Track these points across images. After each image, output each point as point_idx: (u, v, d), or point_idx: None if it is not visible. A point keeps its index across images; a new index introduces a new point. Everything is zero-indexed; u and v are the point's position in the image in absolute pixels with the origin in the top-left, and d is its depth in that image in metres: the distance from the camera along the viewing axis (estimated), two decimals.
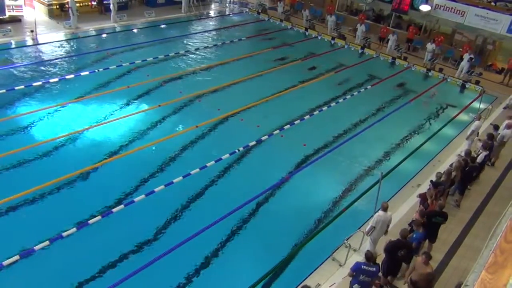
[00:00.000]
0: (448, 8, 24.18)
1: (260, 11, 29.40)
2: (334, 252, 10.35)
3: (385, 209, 9.84)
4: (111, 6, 23.31)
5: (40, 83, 16.31)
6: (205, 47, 22.47)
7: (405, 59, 24.38)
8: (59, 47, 20.12)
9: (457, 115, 19.18)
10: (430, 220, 10.01)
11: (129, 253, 9.88)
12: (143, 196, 11.36)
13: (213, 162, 13.11)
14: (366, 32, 26.06)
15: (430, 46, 23.73)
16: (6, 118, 14.03)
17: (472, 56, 22.73)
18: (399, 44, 24.87)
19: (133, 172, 12.53)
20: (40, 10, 22.81)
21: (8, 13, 20.90)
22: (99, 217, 10.48)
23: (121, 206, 10.95)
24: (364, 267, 8.30)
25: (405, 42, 26.04)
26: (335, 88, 19.80)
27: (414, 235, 9.79)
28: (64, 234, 9.85)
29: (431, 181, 11.39)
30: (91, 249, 9.86)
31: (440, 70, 23.38)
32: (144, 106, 15.95)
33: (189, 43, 22.73)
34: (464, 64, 22.76)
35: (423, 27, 27.08)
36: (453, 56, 25.24)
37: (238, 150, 13.99)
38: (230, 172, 13.23)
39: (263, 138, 14.91)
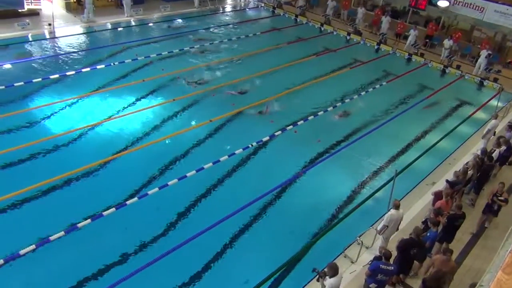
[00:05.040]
0: (466, 4, 23.76)
1: (275, 6, 29.27)
2: (346, 249, 10.32)
3: (397, 207, 9.77)
4: (123, 1, 23.47)
5: (57, 76, 16.51)
6: (219, 42, 22.46)
7: (421, 55, 24.07)
8: (76, 40, 20.34)
9: (474, 113, 18.86)
10: (452, 224, 9.91)
11: (142, 245, 9.99)
12: (156, 189, 11.46)
13: (226, 156, 13.15)
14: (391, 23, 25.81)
15: (447, 42, 23.36)
16: (23, 110, 14.25)
17: (490, 52, 22.29)
18: (416, 40, 24.53)
19: (147, 165, 12.64)
20: (57, 3, 23.06)
21: (26, 7, 21.20)
22: (113, 209, 10.60)
23: (135, 199, 11.07)
24: (383, 266, 8.26)
25: (423, 39, 25.68)
26: (350, 84, 19.63)
27: (428, 234, 9.70)
28: (79, 225, 10.01)
29: (447, 180, 11.26)
30: (107, 240, 10.00)
31: (458, 67, 23.03)
32: (159, 100, 16.05)
33: (204, 38, 22.71)
34: (482, 61, 22.37)
35: (441, 23, 26.67)
36: (471, 53, 24.83)
37: (252, 145, 14.01)
38: (243, 167, 13.27)
39: (276, 134, 14.89)
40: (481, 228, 11.59)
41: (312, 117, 16.24)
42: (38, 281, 8.92)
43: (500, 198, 11.06)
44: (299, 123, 15.72)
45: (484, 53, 22.37)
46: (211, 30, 24.21)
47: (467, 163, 12.83)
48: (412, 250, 8.94)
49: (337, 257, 10.11)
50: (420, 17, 27.65)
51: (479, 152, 13.16)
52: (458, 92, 21.02)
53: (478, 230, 11.53)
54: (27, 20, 20.30)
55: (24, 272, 9.02)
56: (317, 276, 7.99)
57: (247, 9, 29.61)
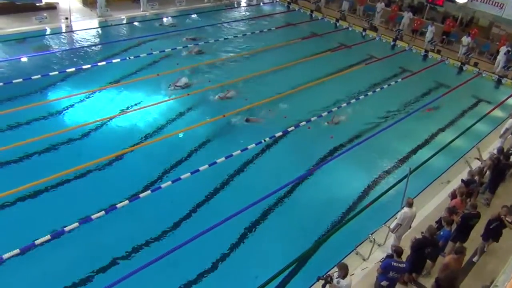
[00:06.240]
0: (485, 0, 23.30)
1: (291, 0, 29.11)
2: (358, 246, 10.27)
3: (410, 205, 9.68)
4: None
5: (73, 69, 16.69)
6: (234, 37, 22.44)
7: (438, 52, 23.72)
8: (92, 34, 20.53)
9: (491, 111, 18.58)
10: (467, 223, 9.77)
11: (155, 238, 10.08)
12: (169, 182, 11.55)
13: (239, 151, 13.18)
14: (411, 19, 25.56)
15: (465, 39, 22.98)
16: (40, 102, 14.43)
17: (509, 48, 21.85)
18: (433, 37, 24.16)
19: (161, 158, 12.74)
20: None
21: (44, 0, 21.39)
22: (126, 202, 10.72)
23: (148, 192, 11.17)
24: (395, 264, 8.20)
25: (440, 35, 25.29)
26: (365, 81, 19.47)
27: (442, 233, 9.60)
28: (93, 216, 10.14)
29: (462, 179, 11.09)
30: (119, 232, 10.12)
31: (475, 65, 22.65)
32: (173, 95, 16.11)
33: (219, 33, 22.74)
34: (501, 58, 21.98)
35: (458, 19, 26.25)
36: (489, 50, 24.39)
37: (264, 141, 14.01)
38: (256, 162, 13.27)
39: (289, 129, 14.86)
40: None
41: (325, 113, 16.15)
42: (52, 271, 9.04)
43: (507, 219, 10.17)
44: (312, 119, 15.65)
45: (503, 49, 21.98)
46: (225, 25, 24.19)
47: (482, 162, 12.61)
48: (426, 249, 8.86)
49: (349, 254, 10.08)
50: (437, 13, 27.23)
51: (495, 151, 12.95)
52: (475, 89, 20.72)
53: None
54: (45, 14, 20.52)
55: (39, 261, 9.17)
56: (324, 282, 7.80)
57: (261, 4, 29.49)
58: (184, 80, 16.79)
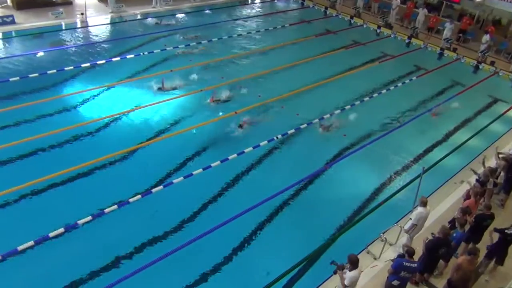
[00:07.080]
0: None
1: None
2: (369, 245, 10.22)
3: (424, 204, 9.57)
4: None
5: (88, 64, 16.87)
6: (248, 33, 22.43)
7: (454, 50, 23.38)
8: (106, 30, 20.74)
9: (507, 111, 18.27)
10: (480, 224, 9.64)
11: (166, 233, 10.14)
12: (181, 178, 11.62)
13: (251, 148, 13.18)
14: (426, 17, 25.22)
15: (485, 37, 22.54)
16: (56, 97, 14.62)
17: None
18: (450, 35, 23.77)
19: (173, 154, 12.81)
20: None
21: None
22: (139, 196, 10.82)
23: (160, 187, 11.25)
24: (406, 263, 8.16)
25: (456, 33, 24.91)
26: (379, 79, 19.30)
27: (455, 234, 9.49)
28: (106, 210, 10.27)
29: (477, 179, 10.96)
30: (131, 227, 10.23)
31: (492, 63, 22.27)
32: (186, 91, 16.16)
33: (232, 29, 22.75)
34: None
35: (475, 17, 25.83)
36: (506, 49, 23.95)
37: (277, 138, 13.99)
38: (267, 159, 13.26)
39: (302, 127, 14.81)
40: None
41: (338, 111, 16.07)
42: (66, 262, 9.17)
43: None
44: (325, 116, 15.57)
45: None
46: (238, 21, 24.18)
47: (497, 162, 12.42)
48: (440, 249, 8.79)
49: (360, 252, 10.02)
50: (454, 11, 26.83)
51: (511, 152, 12.76)
52: (491, 89, 20.34)
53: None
54: (61, 9, 20.77)
55: (53, 253, 9.30)
56: (336, 269, 7.99)
57: (275, 1, 29.38)
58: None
